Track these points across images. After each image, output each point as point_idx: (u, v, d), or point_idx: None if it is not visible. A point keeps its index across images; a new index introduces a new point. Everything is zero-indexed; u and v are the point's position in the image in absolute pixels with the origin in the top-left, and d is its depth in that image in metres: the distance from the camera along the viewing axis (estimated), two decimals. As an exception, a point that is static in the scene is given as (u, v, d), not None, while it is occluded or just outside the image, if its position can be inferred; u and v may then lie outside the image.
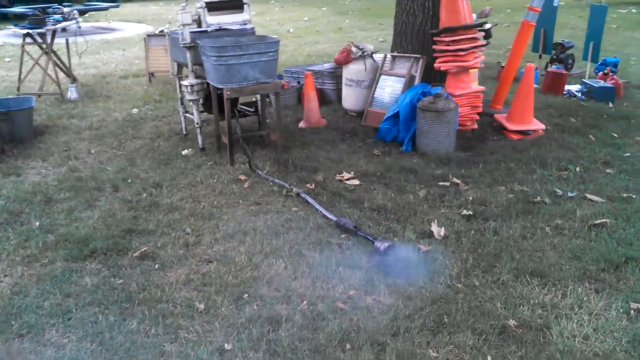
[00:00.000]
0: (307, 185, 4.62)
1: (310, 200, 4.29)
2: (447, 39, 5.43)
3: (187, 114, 5.96)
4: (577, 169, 4.81)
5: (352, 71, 6.24)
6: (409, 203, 4.26)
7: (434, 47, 5.63)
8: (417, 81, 5.73)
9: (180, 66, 5.85)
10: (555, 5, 7.89)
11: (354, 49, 6.23)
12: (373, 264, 3.43)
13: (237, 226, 3.96)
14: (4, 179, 4.92)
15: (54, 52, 7.93)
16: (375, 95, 5.97)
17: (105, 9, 14.49)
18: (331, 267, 3.41)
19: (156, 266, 3.50)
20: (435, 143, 5.14)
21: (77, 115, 6.94)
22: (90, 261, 3.56)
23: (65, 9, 8.29)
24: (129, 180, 4.82)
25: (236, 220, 4.05)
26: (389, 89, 5.88)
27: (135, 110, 7.13)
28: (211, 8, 5.28)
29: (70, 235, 3.88)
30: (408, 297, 3.11)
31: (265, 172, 4.90)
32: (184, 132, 6.02)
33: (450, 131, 5.16)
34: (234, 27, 5.43)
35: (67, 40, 7.80)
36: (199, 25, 5.32)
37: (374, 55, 6.30)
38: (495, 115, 5.87)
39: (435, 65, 5.63)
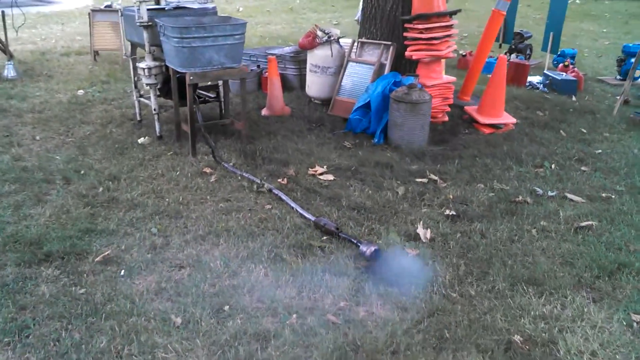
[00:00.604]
0: (279, 180, 4.34)
1: (284, 197, 4.01)
2: (420, 26, 5.22)
3: (142, 99, 5.54)
4: (553, 166, 4.72)
5: (318, 57, 5.95)
6: (388, 201, 4.05)
7: (405, 34, 5.42)
8: (387, 70, 5.51)
9: (135, 46, 5.41)
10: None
11: (319, 33, 5.94)
12: (361, 271, 3.21)
13: (207, 226, 3.65)
14: (-63, 169, 4.41)
15: (-12, 26, 7.27)
16: (342, 84, 5.72)
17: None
18: (316, 274, 3.16)
19: (122, 272, 3.15)
20: (409, 136, 4.95)
21: (16, 95, 6.37)
22: (46, 266, 3.18)
23: (0, -22, 7.61)
24: (82, 172, 4.41)
25: (206, 220, 3.73)
26: (357, 77, 5.64)
27: (80, 92, 6.62)
28: (172, -15, 4.87)
29: (20, 235, 3.46)
30: (403, 309, 2.90)
31: (231, 164, 4.58)
32: (138, 118, 5.60)
33: (424, 124, 4.98)
34: (195, 6, 5.05)
35: (2, 12, 7.15)
36: (157, 3, 4.90)
37: (340, 40, 6.03)
38: (465, 107, 5.73)
39: (407, 53, 5.42)
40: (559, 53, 7.98)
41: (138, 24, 4.77)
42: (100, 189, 4.13)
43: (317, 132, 5.37)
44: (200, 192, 4.12)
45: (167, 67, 5.00)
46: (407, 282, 3.12)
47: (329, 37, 5.93)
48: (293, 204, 3.91)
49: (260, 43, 9.61)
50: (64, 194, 4.06)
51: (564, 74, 7.09)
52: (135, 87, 5.52)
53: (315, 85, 6.06)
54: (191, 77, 4.57)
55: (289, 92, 6.43)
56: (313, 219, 3.71)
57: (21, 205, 3.88)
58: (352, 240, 3.46)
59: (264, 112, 5.88)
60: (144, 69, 4.89)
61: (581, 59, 8.96)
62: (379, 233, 3.64)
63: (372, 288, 3.06)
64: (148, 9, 4.89)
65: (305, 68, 6.54)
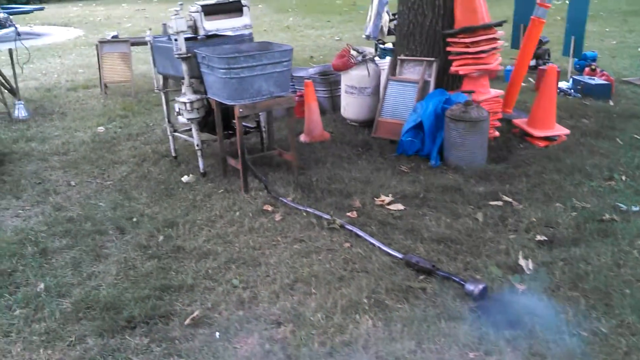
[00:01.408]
0: (347, 213, 4.07)
1: (361, 234, 3.74)
2: (466, 40, 5.00)
3: (177, 134, 5.24)
4: (623, 177, 4.52)
5: (354, 77, 5.71)
6: (471, 230, 3.80)
7: (449, 49, 5.20)
8: (431, 87, 5.28)
9: (167, 79, 5.12)
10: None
11: (354, 53, 5.70)
12: (477, 313, 2.94)
13: (291, 273, 3.36)
14: (-26, 226, 4.07)
15: (-5, 65, 6.92)
16: (384, 104, 5.47)
17: (30, 11, 13.18)
18: (429, 321, 2.89)
19: (217, 335, 2.85)
20: (469, 156, 4.71)
21: (34, 137, 6.03)
22: (131, 334, 2.87)
23: (1, 15, 7.27)
24: (134, 219, 4.09)
25: (287, 265, 3.44)
26: (400, 97, 5.40)
27: (101, 129, 6.29)
28: (208, 12, 4.59)
29: (92, 299, 3.14)
30: (539, 356, 2.64)
31: (290, 199, 4.30)
32: (173, 154, 5.29)
33: (484, 142, 4.75)
34: (231, 34, 4.78)
35: (10, 51, 6.81)
36: (195, 32, 4.62)
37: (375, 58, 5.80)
38: (513, 120, 5.52)
39: (452, 69, 5.20)
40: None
41: (176, 56, 4.48)
42: (161, 237, 3.82)
43: (367, 156, 5.11)
44: (268, 234, 3.83)
45: (207, 100, 4.72)
46: (529, 322, 2.86)
47: (364, 56, 5.69)
48: (374, 241, 3.64)
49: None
50: (122, 245, 3.74)
51: (595, 78, 6.93)
52: (169, 121, 5.22)
53: (352, 106, 5.81)
54: (241, 110, 4.29)
55: (321, 116, 6.17)
56: (401, 256, 3.45)
57: (80, 262, 3.55)
58: (454, 278, 3.20)
59: (302, 138, 5.61)
60: (185, 103, 4.60)
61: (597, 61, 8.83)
62: (477, 267, 3.38)
63: (496, 333, 2.79)
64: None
65: (336, 89, 6.31)
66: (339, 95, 6.29)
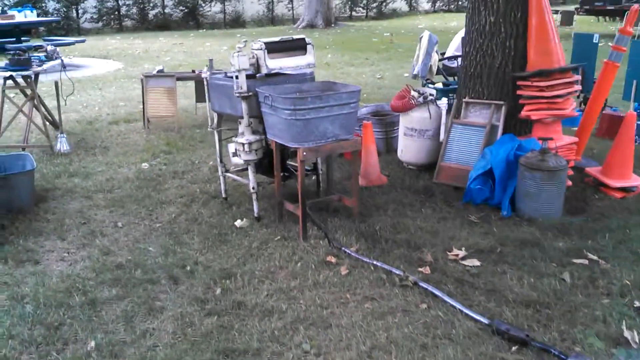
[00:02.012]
0: (419, 269, 3.72)
1: (439, 293, 3.40)
2: (541, 83, 4.69)
3: (229, 174, 4.97)
4: None
5: (414, 119, 5.42)
6: (559, 292, 3.42)
7: (520, 92, 4.90)
8: (499, 132, 4.96)
9: (221, 117, 4.88)
10: (596, 42, 7.36)
11: (414, 94, 5.43)
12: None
13: (367, 338, 3.01)
14: (18, 270, 3.81)
15: (39, 97, 6.78)
16: (448, 148, 5.16)
17: (71, 43, 13.25)
18: (535, 403, 2.52)
19: (292, 412, 2.51)
20: (546, 207, 4.36)
21: (77, 173, 5.81)
22: (195, 408, 2.53)
23: (49, 47, 7.17)
24: (187, 268, 3.79)
25: (361, 329, 3.10)
26: (465, 141, 5.08)
27: (145, 165, 6.06)
28: (271, 50, 4.36)
29: (149, 362, 2.83)
30: None
31: (354, 250, 3.97)
32: (224, 195, 5.02)
33: (561, 193, 4.40)
34: (293, 72, 4.54)
35: (56, 83, 6.67)
36: (257, 70, 4.39)
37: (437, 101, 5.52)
38: (586, 169, 5.16)
39: (523, 113, 4.89)
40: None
41: (237, 94, 4.23)
42: (218, 290, 3.51)
43: (430, 204, 4.78)
44: (335, 289, 3.50)
45: (265, 141, 4.47)
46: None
47: (425, 97, 5.41)
48: (455, 303, 3.29)
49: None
50: (177, 298, 3.44)
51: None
52: (220, 161, 4.96)
53: (410, 150, 5.51)
54: (305, 153, 4.02)
55: (375, 157, 5.88)
56: (488, 322, 3.09)
57: (132, 316, 3.25)
58: (554, 351, 2.83)
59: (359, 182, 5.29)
60: (243, 144, 4.33)
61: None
62: (574, 337, 3.00)
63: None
64: (229, 76, 4.44)
65: (392, 131, 6.03)
66: (395, 137, 6.02)
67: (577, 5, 19.89)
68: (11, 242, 4.20)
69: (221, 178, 5.00)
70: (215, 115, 4.86)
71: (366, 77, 11.49)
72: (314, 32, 20.70)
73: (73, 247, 4.16)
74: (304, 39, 4.50)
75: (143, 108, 7.55)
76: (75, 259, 3.97)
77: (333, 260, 3.84)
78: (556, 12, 19.90)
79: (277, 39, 4.42)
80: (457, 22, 23.57)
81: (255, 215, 4.53)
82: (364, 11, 29.47)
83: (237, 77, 4.23)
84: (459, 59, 8.60)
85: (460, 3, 33.54)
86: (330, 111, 4.03)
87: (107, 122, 8.01)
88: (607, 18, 20.24)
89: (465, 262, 3.80)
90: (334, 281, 3.58)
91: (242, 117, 4.39)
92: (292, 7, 26.73)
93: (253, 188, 4.49)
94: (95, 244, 4.18)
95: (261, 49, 4.28)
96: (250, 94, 4.26)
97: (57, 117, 6.96)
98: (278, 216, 4.48)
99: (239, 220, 4.50)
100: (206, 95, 4.81)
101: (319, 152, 4.12)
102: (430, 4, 32.59)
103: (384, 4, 29.88)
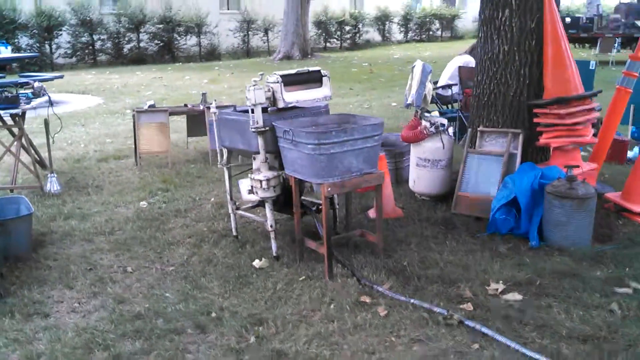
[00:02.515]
0: (460, 305, 3.53)
1: (489, 332, 3.21)
2: (561, 111, 4.61)
3: (240, 212, 4.74)
4: None
5: (427, 150, 5.28)
6: (612, 325, 3.27)
7: (538, 120, 4.81)
8: (518, 160, 4.84)
9: (230, 153, 4.67)
10: (592, 69, 7.38)
11: (426, 124, 5.30)
12: None
13: (425, 385, 2.79)
14: (27, 324, 3.50)
15: (27, 136, 6.47)
16: (464, 178, 5.02)
17: (50, 79, 12.88)
18: None
19: None
20: (575, 236, 4.23)
21: (73, 214, 5.50)
22: None
23: (36, 84, 6.88)
24: (212, 314, 3.53)
25: (415, 375, 2.88)
26: (483, 170, 4.95)
27: (144, 204, 5.79)
28: (287, 82, 4.19)
29: None
30: None
31: (387, 287, 3.76)
32: (234, 234, 4.77)
33: (591, 221, 4.28)
34: (308, 105, 4.38)
35: (46, 121, 6.38)
36: (273, 104, 4.20)
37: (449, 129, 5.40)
38: (605, 194, 5.06)
39: (542, 141, 4.80)
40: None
41: (253, 129, 4.03)
42: (252, 338, 3.25)
43: (453, 236, 4.61)
44: (377, 332, 3.28)
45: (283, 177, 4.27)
46: None
47: (437, 127, 5.29)
48: (510, 342, 3.10)
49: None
50: (208, 349, 3.18)
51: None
52: (231, 198, 4.73)
53: (423, 180, 5.36)
54: (329, 189, 3.82)
55: (385, 189, 5.72)
56: (549, 362, 2.90)
57: (162, 372, 2.98)
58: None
59: (371, 214, 5.12)
60: (261, 180, 4.12)
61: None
62: (643, 376, 2.83)
63: None
64: (240, 111, 4.31)
65: (401, 161, 5.89)
66: (404, 168, 5.88)
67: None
68: (14, 294, 3.88)
69: (232, 216, 4.76)
70: (225, 152, 4.64)
71: (354, 107, 11.39)
72: (291, 64, 20.66)
73: (83, 296, 3.86)
74: (319, 70, 4.35)
75: (135, 144, 7.27)
76: (88, 310, 3.67)
77: (367, 300, 3.62)
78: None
79: (293, 71, 4.26)
80: (431, 52, 23.90)
81: (274, 254, 4.30)
82: (338, 42, 29.69)
83: (252, 112, 4.03)
84: (453, 88, 8.60)
85: (431, 33, 34.14)
86: (354, 145, 3.86)
87: (96, 159, 7.70)
88: (576, 45, 20.68)
89: (506, 297, 3.62)
90: (375, 323, 3.36)
91: (256, 153, 4.19)
92: (267, 40, 26.77)
93: (271, 226, 4.26)
94: (107, 292, 3.89)
95: (277, 82, 4.10)
96: (267, 128, 4.06)
97: (45, 156, 6.65)
98: (299, 255, 4.25)
99: (257, 260, 4.26)
100: (215, 131, 4.58)
101: (344, 187, 3.93)
102: (402, 34, 33.05)
103: (358, 34, 30.18)
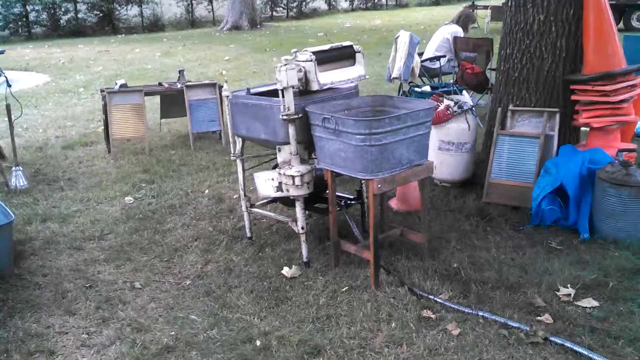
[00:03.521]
0: (537, 317, 3.12)
1: (585, 352, 2.81)
2: (607, 87, 4.22)
3: (255, 209, 4.19)
4: None
5: (452, 131, 4.82)
6: None
7: (576, 97, 4.42)
8: (555, 142, 4.45)
9: (244, 142, 4.08)
10: None
11: (449, 103, 4.83)
12: None
13: None
14: (31, 366, 2.87)
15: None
16: (496, 163, 4.60)
17: (-9, 55, 11.65)
18: None
19: None
20: (631, 226, 3.88)
21: (50, 215, 4.81)
22: None
23: (-13, 62, 6.01)
24: (257, 343, 3.00)
25: (523, 413, 2.45)
26: (517, 154, 4.54)
27: (130, 200, 5.14)
28: (320, 61, 3.62)
29: None
30: None
31: (446, 298, 3.32)
32: (249, 235, 4.22)
33: (647, 210, 3.94)
34: (343, 86, 3.83)
35: (8, 106, 5.58)
36: (306, 87, 3.63)
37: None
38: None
39: (582, 120, 4.42)
40: None
41: (284, 117, 3.46)
42: (315, 373, 2.75)
43: (494, 229, 4.21)
44: (458, 357, 2.83)
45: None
46: None
47: (460, 106, 4.83)
48: (614, 363, 2.71)
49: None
50: (265, 390, 2.65)
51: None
52: (245, 194, 4.16)
53: (447, 165, 4.91)
54: (379, 185, 3.31)
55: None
56: (669, 387, 2.53)
57: None
58: None
59: (394, 205, 4.66)
60: (293, 176, 3.56)
61: None
62: None
63: None
64: (257, 93, 3.78)
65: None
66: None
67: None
68: (4, 324, 3.23)
69: (245, 215, 4.20)
70: (238, 142, 4.05)
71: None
72: (241, 34, 19.77)
73: (91, 324, 3.25)
74: (351, 46, 3.79)
75: (106, 129, 6.51)
76: (101, 342, 3.07)
77: (431, 315, 3.17)
78: (485, 7, 20.03)
79: (326, 47, 3.69)
80: (381, 21, 23.45)
81: (305, 259, 3.77)
82: (284, 11, 28.76)
83: (282, 95, 3.45)
84: (441, 60, 8.15)
85: (377, 1, 33.57)
86: (407, 133, 3.36)
87: (60, 146, 6.90)
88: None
89: (581, 304, 3.24)
90: (450, 345, 2.91)
91: (283, 144, 3.62)
92: (212, 9, 25.60)
93: (302, 228, 3.72)
94: (119, 317, 3.29)
95: (311, 61, 3.52)
96: (300, 115, 3.50)
97: (4, 146, 5.85)
98: (334, 260, 3.74)
99: (286, 268, 3.73)
100: (228, 117, 3.98)
101: (394, 182, 3.43)
102: (348, 2, 32.37)
103: (304, 3, 29.32)
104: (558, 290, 3.36)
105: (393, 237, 3.93)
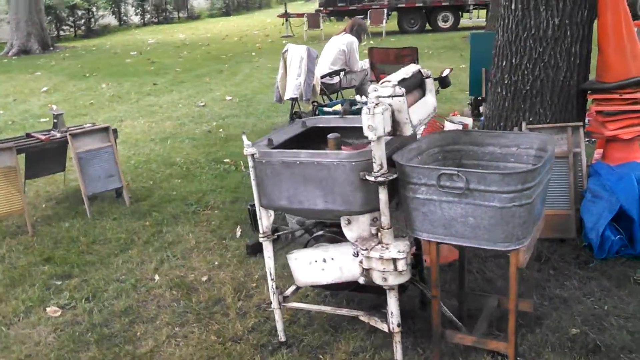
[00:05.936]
0: None
1: None
2: (638, 95, 3.86)
3: (294, 304, 3.08)
4: None
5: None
6: None
7: (599, 108, 4.02)
8: (583, 160, 3.99)
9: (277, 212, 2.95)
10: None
11: (450, 125, 4.15)
12: None
13: None
14: None
15: None
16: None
17: None
18: None
19: None
20: None
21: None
22: None
23: None
24: None
25: None
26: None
27: (53, 310, 3.67)
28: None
29: None
30: None
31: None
32: (282, 339, 3.09)
33: None
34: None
35: None
36: (394, 132, 2.63)
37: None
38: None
39: (609, 132, 4.01)
40: None
41: (380, 179, 2.45)
42: None
43: (562, 272, 3.59)
44: None
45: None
46: None
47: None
48: None
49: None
50: None
51: None
52: (277, 287, 3.03)
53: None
54: (526, 256, 2.48)
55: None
56: None
57: None
58: None
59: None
60: (395, 259, 2.55)
61: None
62: None
63: None
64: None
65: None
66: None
67: (319, 7, 20.04)
68: None
69: (277, 313, 3.06)
70: (270, 215, 2.90)
71: (183, 106, 9.52)
72: (34, 60, 17.12)
73: None
74: (420, 71, 2.88)
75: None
76: None
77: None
78: (300, 15, 19.89)
79: (407, 74, 2.72)
80: (184, 35, 22.40)
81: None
82: (72, 30, 25.93)
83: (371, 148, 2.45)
84: (341, 74, 7.48)
85: (167, 14, 31.99)
86: (543, 179, 2.58)
87: None
88: (346, 18, 20.92)
89: None
90: None
91: (357, 214, 2.61)
92: (-13, 32, 22.07)
93: (399, 325, 2.72)
94: None
95: (401, 96, 2.52)
96: (396, 175, 2.51)
97: None
98: (438, 357, 2.80)
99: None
100: (253, 184, 2.82)
101: (531, 247, 2.61)
102: (139, 17, 30.34)
103: (93, 19, 26.73)
104: None
105: (491, 308, 3.09)
